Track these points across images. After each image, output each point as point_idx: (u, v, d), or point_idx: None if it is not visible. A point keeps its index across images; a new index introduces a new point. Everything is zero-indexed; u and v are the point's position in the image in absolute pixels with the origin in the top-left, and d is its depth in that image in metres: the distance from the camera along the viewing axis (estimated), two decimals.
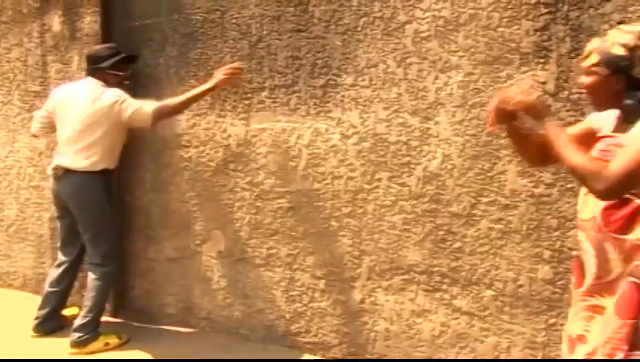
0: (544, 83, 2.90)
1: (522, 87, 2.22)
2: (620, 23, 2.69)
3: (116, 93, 3.80)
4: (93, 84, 3.86)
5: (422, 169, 3.24)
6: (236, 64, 3.68)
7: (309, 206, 3.59)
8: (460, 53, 3.08)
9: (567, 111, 2.87)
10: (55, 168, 3.88)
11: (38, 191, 4.65)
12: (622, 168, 1.89)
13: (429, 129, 3.20)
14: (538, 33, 2.91)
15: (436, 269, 3.23)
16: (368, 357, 3.46)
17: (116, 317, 4.30)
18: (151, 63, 4.08)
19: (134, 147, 4.10)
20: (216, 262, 3.98)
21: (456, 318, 3.20)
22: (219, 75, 3.64)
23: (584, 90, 2.19)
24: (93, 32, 4.22)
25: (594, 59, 2.06)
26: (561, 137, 2.04)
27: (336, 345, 3.56)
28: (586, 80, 2.12)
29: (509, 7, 2.96)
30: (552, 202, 2.92)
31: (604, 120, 2.17)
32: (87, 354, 3.78)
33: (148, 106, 3.74)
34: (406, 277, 3.33)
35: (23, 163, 4.74)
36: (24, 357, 3.71)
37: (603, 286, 2.04)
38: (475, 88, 3.05)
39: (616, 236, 1.99)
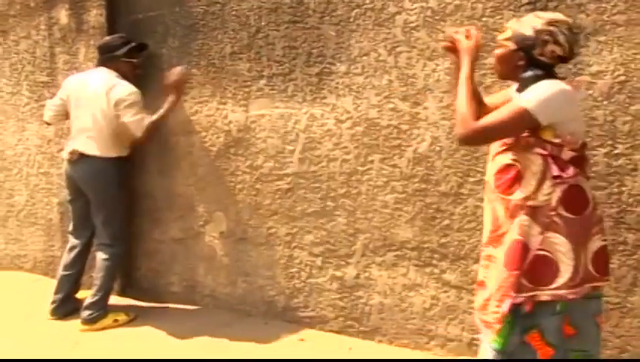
0: None
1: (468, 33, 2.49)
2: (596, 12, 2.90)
3: (128, 91, 3.92)
4: (106, 74, 3.99)
5: (412, 151, 3.38)
6: (182, 69, 3.95)
7: (306, 187, 3.73)
8: None
9: None
10: (71, 152, 4.00)
11: (47, 177, 4.76)
12: (487, 122, 2.23)
13: (418, 113, 3.34)
14: None
15: (426, 245, 3.37)
16: (363, 329, 3.64)
17: (124, 296, 4.42)
18: (154, 54, 4.19)
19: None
20: (219, 242, 4.10)
21: (446, 291, 3.35)
22: (172, 91, 3.93)
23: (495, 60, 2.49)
24: (99, 24, 4.33)
25: (508, 34, 2.38)
26: (466, 78, 2.35)
27: (333, 319, 3.71)
28: (497, 51, 2.42)
29: None
30: None
31: (515, 93, 2.48)
32: (97, 330, 3.92)
33: (145, 120, 3.91)
34: (398, 253, 3.47)
35: (32, 150, 4.85)
36: (38, 337, 3.87)
37: (495, 238, 2.35)
38: None
39: (503, 196, 2.32)
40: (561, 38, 2.30)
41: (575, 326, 2.35)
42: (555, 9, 2.98)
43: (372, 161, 3.51)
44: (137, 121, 3.92)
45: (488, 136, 2.28)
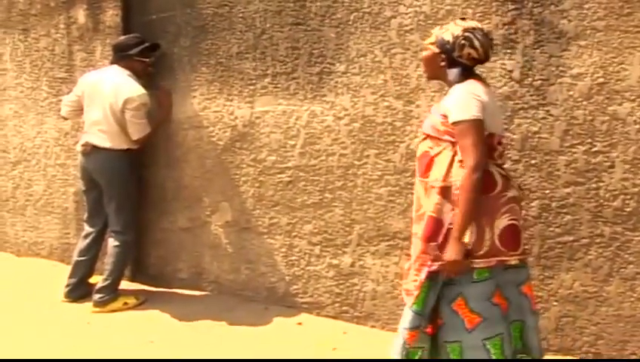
0: (511, 71, 3.25)
1: None
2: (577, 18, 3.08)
3: (138, 93, 4.10)
4: (119, 73, 4.17)
5: (405, 147, 3.57)
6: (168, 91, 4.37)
7: (306, 180, 3.91)
8: None
9: (531, 95, 3.23)
10: (84, 145, 4.21)
11: (64, 168, 4.95)
12: (472, 155, 2.47)
13: (411, 111, 3.52)
14: (506, 27, 3.25)
15: None
16: (357, 314, 3.83)
17: (134, 281, 4.60)
18: (166, 53, 4.38)
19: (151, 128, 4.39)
20: (224, 231, 4.28)
21: None
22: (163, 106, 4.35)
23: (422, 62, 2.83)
24: (115, 24, 4.54)
25: (432, 39, 2.68)
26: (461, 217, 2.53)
27: (329, 305, 3.89)
28: (423, 53, 2.73)
29: (480, 3, 3.30)
30: (518, 176, 3.24)
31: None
32: (108, 312, 4.12)
33: (144, 127, 4.16)
34: (391, 243, 3.65)
35: (50, 143, 5.03)
36: (53, 317, 4.08)
37: (418, 216, 2.63)
38: None
39: (422, 179, 2.61)
40: (477, 43, 2.60)
41: (506, 297, 2.63)
42: (539, 15, 3.17)
43: (368, 156, 3.70)
44: (139, 125, 4.14)
45: (480, 157, 2.49)
